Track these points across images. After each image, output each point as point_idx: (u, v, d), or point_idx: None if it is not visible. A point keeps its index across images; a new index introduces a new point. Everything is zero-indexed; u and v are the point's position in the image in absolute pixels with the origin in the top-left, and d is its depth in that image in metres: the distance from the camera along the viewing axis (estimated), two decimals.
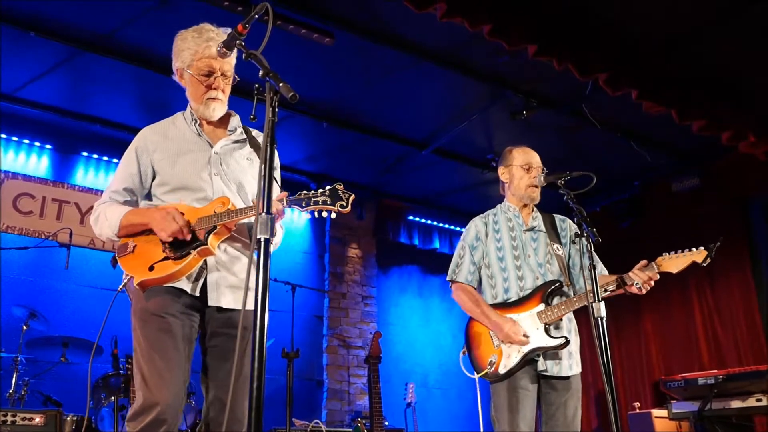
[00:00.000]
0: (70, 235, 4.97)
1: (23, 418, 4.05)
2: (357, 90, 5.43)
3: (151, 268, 2.26)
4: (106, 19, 4.52)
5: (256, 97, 1.92)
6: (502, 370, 2.94)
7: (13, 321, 4.83)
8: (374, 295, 7.32)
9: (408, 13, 4.08)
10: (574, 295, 3.07)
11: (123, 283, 2.37)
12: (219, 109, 2.48)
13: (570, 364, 2.99)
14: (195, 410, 4.82)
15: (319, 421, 4.49)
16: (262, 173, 1.78)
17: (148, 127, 2.54)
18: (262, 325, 1.70)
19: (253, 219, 2.26)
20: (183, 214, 2.30)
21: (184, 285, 2.30)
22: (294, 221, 6.43)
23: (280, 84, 1.84)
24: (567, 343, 2.93)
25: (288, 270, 6.19)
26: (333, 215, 2.17)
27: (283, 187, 2.58)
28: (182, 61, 2.43)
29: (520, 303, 3.07)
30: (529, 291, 3.07)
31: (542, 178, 3.15)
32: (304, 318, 6.75)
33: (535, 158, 3.25)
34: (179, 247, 2.27)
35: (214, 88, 2.43)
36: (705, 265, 2.95)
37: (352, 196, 2.17)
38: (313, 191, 2.16)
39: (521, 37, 4.35)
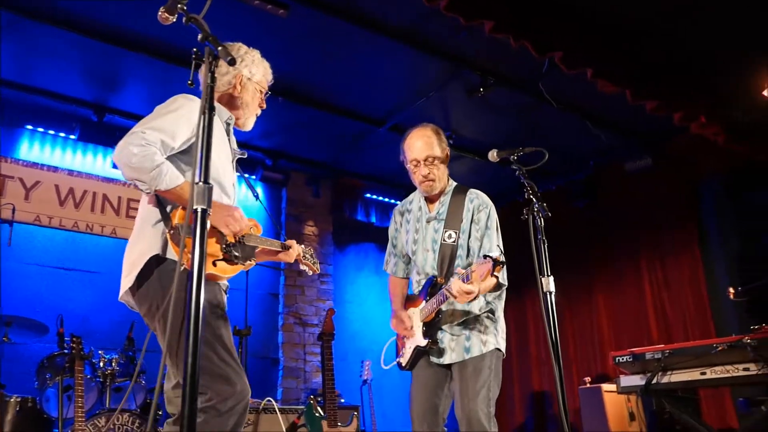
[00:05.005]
0: (13, 210, 4.81)
1: None
2: (313, 65, 5.33)
3: (215, 264, 2.27)
4: None
5: (194, 62, 1.87)
6: (403, 362, 3.10)
7: None
8: (331, 272, 7.30)
9: None
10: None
11: (183, 267, 2.07)
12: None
13: (468, 347, 2.94)
14: (145, 389, 4.74)
15: (271, 399, 4.45)
16: (200, 141, 1.75)
17: (198, 99, 2.37)
18: (198, 300, 1.67)
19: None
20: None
21: None
22: (249, 199, 6.32)
23: (219, 47, 1.81)
24: (433, 343, 2.95)
25: None
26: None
27: (237, 163, 2.66)
28: (253, 74, 2.62)
29: (415, 298, 3.11)
30: (422, 285, 3.09)
31: (495, 154, 3.08)
32: (260, 296, 6.68)
33: (420, 152, 3.06)
34: (234, 251, 2.33)
35: (261, 107, 2.71)
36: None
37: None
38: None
39: (478, 13, 4.29)
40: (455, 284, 2.72)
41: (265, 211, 5.19)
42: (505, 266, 2.99)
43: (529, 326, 7.63)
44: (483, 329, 2.98)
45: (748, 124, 5.74)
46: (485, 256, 2.64)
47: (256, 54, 2.67)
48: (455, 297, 2.75)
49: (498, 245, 3.03)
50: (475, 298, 2.83)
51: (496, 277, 2.90)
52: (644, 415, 5.34)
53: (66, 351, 4.46)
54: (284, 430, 4.42)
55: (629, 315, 6.69)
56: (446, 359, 2.97)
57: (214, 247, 2.27)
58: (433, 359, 3.01)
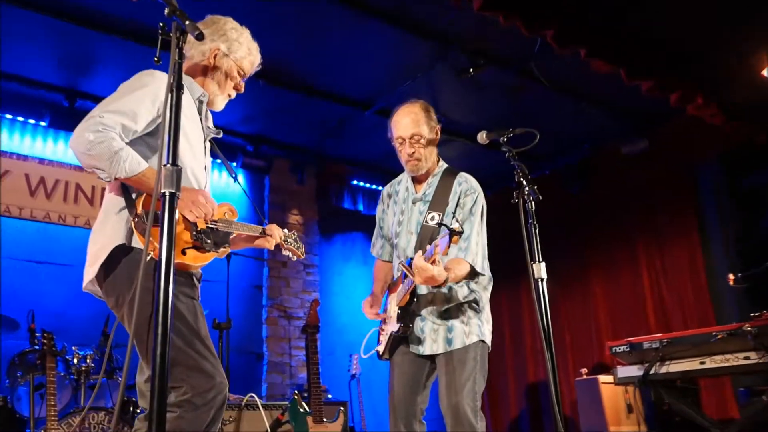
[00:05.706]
0: None
1: None
2: (295, 47, 5.13)
3: (184, 252, 2.15)
4: None
5: (161, 38, 1.78)
6: (380, 350, 3.00)
7: None
8: (316, 263, 7.12)
9: None
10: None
11: (150, 256, 2.01)
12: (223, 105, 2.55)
13: (450, 338, 2.81)
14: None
15: (254, 395, 4.28)
16: (168, 120, 1.66)
17: (164, 75, 2.22)
18: (167, 291, 1.58)
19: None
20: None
21: None
22: (230, 186, 6.12)
23: (186, 22, 1.73)
24: (405, 328, 2.82)
25: None
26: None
27: (215, 145, 2.57)
28: (231, 50, 2.43)
29: (395, 284, 2.97)
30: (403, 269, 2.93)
31: (484, 136, 2.89)
32: (242, 288, 6.50)
33: (405, 130, 2.94)
34: (206, 238, 2.22)
35: (237, 89, 2.51)
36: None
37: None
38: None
39: None
40: (416, 259, 2.57)
41: (246, 195, 5.00)
42: (486, 257, 2.90)
43: (524, 316, 7.50)
44: (466, 320, 2.84)
45: (746, 105, 5.65)
46: (439, 224, 2.54)
47: (244, 33, 2.48)
48: (413, 275, 2.60)
49: (476, 233, 2.86)
50: (440, 286, 2.69)
51: (472, 268, 2.77)
52: (642, 406, 5.21)
53: (37, 347, 4.34)
54: (268, 427, 4.26)
55: (626, 303, 6.57)
56: (426, 350, 2.83)
57: (183, 235, 2.16)
58: (413, 348, 2.87)
